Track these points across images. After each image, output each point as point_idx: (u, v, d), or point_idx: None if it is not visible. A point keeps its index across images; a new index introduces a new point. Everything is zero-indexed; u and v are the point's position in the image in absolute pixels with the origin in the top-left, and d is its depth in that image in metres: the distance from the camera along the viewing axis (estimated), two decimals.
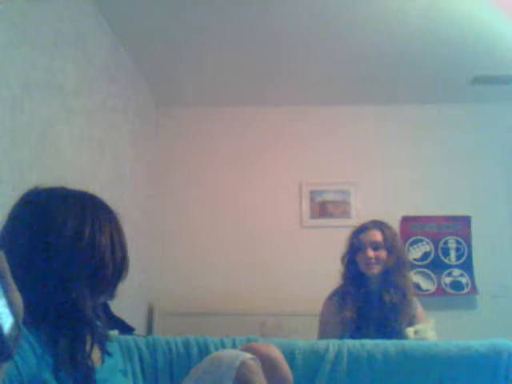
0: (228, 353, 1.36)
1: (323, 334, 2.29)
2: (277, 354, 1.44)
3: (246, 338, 1.88)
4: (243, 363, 1.27)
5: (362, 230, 2.34)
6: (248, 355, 1.31)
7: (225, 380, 1.23)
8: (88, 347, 1.12)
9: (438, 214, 3.95)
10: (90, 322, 1.10)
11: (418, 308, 2.32)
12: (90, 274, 1.09)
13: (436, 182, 3.98)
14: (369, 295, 2.28)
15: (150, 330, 3.64)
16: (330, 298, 2.38)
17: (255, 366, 1.30)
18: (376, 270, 2.26)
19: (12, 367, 0.95)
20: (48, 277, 1.04)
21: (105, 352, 1.22)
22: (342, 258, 2.37)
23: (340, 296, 2.32)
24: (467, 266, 3.89)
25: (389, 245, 2.27)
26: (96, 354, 1.17)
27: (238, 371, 1.25)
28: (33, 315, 1.01)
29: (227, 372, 1.24)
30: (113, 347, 1.29)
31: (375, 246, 2.27)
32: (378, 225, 2.33)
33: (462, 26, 2.88)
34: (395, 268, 2.26)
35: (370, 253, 2.25)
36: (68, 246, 1.07)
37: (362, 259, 2.28)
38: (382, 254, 2.26)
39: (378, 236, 2.28)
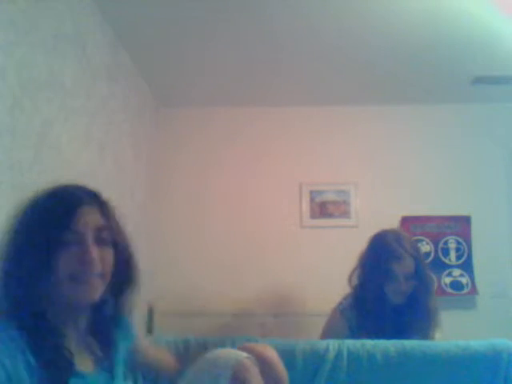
0: (224, 352, 1.35)
1: None
2: (272, 354, 1.43)
3: (246, 339, 1.88)
4: (239, 362, 1.27)
5: (395, 257, 2.18)
6: (244, 354, 1.31)
7: (221, 379, 1.22)
8: (71, 348, 1.12)
9: (438, 214, 3.95)
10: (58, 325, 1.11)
11: None
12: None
13: (436, 182, 3.98)
14: (388, 316, 2.21)
15: (149, 329, 3.64)
16: (341, 312, 2.28)
17: (251, 364, 1.29)
18: (403, 298, 2.19)
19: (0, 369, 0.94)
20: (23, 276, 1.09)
21: (103, 363, 1.22)
22: (366, 282, 2.22)
23: (356, 314, 2.23)
24: (467, 266, 3.89)
25: (420, 274, 2.19)
26: (84, 361, 1.18)
27: (234, 370, 1.24)
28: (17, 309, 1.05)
29: (223, 371, 1.24)
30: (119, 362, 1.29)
31: (407, 277, 2.18)
32: (409, 249, 2.19)
33: (462, 26, 2.88)
34: (425, 295, 2.19)
35: (404, 286, 2.17)
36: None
37: (393, 290, 2.18)
38: (412, 283, 2.18)
39: (411, 266, 2.18)
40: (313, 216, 4.01)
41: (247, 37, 3.05)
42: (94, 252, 1.12)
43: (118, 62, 3.10)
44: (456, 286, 3.86)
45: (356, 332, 2.21)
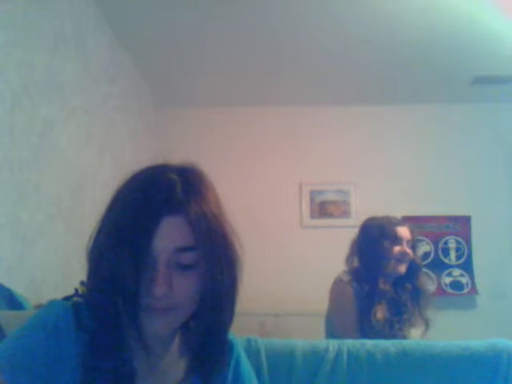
0: None
1: (348, 322, 2.23)
2: None
3: (246, 338, 1.88)
4: None
5: (397, 222, 2.34)
6: None
7: None
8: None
9: (438, 214, 3.95)
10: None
11: None
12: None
13: (436, 182, 3.98)
14: (389, 288, 2.27)
15: None
16: (347, 282, 2.29)
17: None
18: (404, 268, 2.26)
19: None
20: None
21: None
22: (369, 249, 2.29)
23: (358, 285, 2.27)
24: (467, 266, 3.89)
25: (414, 245, 2.33)
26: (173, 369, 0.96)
27: None
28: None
29: None
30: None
31: (408, 242, 2.30)
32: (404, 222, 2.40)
33: (462, 27, 2.88)
34: (419, 269, 2.32)
35: (408, 249, 2.26)
36: None
37: (398, 253, 2.25)
38: (411, 252, 2.29)
39: (409, 234, 2.31)
40: (313, 216, 4.01)
41: (247, 38, 3.05)
42: (164, 284, 0.85)
43: (118, 62, 3.11)
44: (456, 286, 3.86)
45: (359, 301, 2.24)
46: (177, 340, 0.96)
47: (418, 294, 2.28)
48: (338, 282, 2.34)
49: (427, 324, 2.27)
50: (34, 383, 0.83)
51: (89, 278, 0.91)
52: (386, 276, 2.25)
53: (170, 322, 0.89)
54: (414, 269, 2.31)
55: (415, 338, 2.23)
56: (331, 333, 2.30)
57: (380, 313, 2.20)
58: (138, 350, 0.90)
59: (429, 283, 2.39)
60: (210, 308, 0.90)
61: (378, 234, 2.28)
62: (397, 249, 2.26)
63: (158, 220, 0.86)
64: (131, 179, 0.94)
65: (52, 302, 0.94)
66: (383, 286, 2.23)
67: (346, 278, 2.32)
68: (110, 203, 0.93)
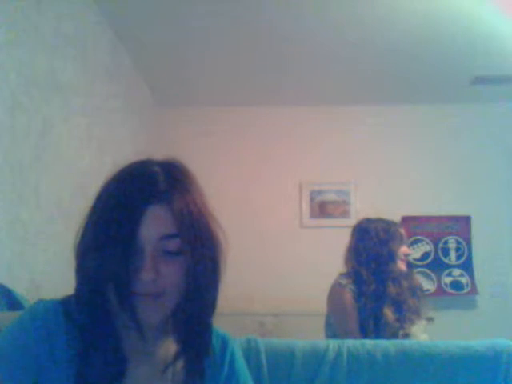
0: None
1: (351, 326, 2.24)
2: None
3: (246, 338, 1.87)
4: None
5: (397, 224, 2.44)
6: None
7: None
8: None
9: (438, 214, 3.95)
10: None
11: None
12: None
13: (436, 182, 3.98)
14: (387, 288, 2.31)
15: None
16: (345, 286, 2.31)
17: None
18: (405, 266, 2.33)
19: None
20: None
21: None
22: (381, 252, 2.31)
23: (357, 288, 2.29)
24: (467, 266, 3.89)
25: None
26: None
27: None
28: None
29: None
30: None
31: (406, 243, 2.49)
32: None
33: (462, 26, 2.88)
34: (413, 267, 2.59)
35: (409, 249, 2.49)
36: None
37: (402, 254, 2.35)
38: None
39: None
40: (313, 216, 4.01)
41: (247, 37, 3.05)
42: (151, 269, 0.87)
43: (118, 62, 3.10)
44: (456, 285, 3.86)
45: (359, 304, 2.27)
46: (169, 327, 0.99)
47: (415, 290, 2.31)
48: (336, 286, 2.34)
49: (429, 318, 2.30)
50: (25, 376, 0.85)
51: (77, 271, 0.94)
52: (392, 277, 2.27)
53: (159, 309, 0.91)
54: (409, 266, 2.39)
55: (417, 335, 2.24)
56: (331, 336, 2.30)
57: (391, 313, 2.22)
58: (130, 337, 0.93)
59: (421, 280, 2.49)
60: (195, 293, 0.94)
61: (385, 236, 2.32)
62: (403, 249, 2.34)
63: (143, 209, 0.89)
64: (115, 174, 0.96)
65: (41, 299, 0.96)
66: (393, 288, 2.25)
67: (344, 281, 2.32)
68: (95, 199, 0.96)
